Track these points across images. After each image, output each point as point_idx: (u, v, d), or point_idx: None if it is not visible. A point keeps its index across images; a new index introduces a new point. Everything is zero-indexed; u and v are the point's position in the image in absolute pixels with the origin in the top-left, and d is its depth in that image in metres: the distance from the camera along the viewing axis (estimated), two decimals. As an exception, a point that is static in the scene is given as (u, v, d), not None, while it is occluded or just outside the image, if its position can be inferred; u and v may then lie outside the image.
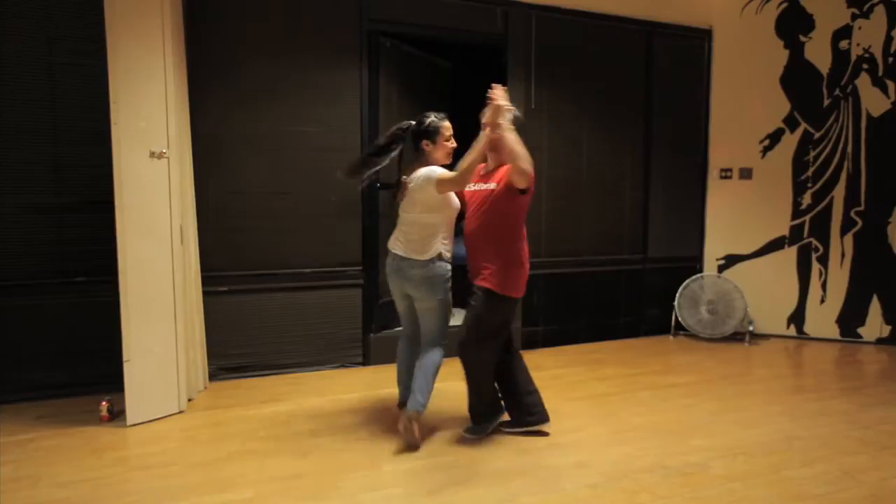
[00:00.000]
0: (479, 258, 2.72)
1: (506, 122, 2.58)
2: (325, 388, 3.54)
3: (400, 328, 4.19)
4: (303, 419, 3.04)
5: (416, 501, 2.25)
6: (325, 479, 2.40)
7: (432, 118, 2.77)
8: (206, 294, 3.51)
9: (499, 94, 2.56)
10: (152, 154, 2.91)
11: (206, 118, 3.49)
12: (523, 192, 2.62)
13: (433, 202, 2.68)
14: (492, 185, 2.70)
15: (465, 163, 2.59)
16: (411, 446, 2.67)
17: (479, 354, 2.70)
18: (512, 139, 2.55)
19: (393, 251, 2.81)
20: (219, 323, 3.60)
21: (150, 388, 2.96)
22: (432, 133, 2.75)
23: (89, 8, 3.16)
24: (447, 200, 2.73)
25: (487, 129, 2.63)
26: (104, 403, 2.97)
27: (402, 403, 2.95)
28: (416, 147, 2.78)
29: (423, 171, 2.69)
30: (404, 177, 2.78)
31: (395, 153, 2.80)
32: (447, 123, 2.79)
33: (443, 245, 2.73)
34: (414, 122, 2.80)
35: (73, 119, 3.23)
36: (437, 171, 2.66)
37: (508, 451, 2.67)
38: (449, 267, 2.75)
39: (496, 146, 2.67)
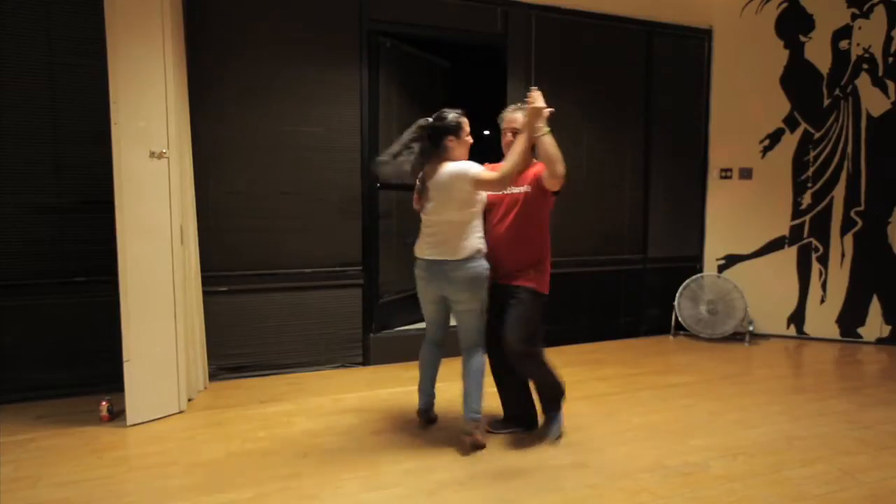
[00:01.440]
0: (512, 260, 2.69)
1: (543, 125, 2.57)
2: (325, 388, 3.54)
3: (400, 328, 4.23)
4: (303, 419, 3.04)
5: (416, 501, 2.25)
6: (325, 479, 2.40)
7: (454, 114, 2.68)
8: (206, 294, 3.51)
9: (537, 96, 2.55)
10: (152, 154, 2.91)
11: (206, 118, 3.49)
12: (556, 193, 2.67)
13: (467, 198, 2.59)
14: (523, 188, 2.69)
15: (508, 165, 2.53)
16: (478, 448, 2.67)
17: (534, 353, 2.71)
18: (549, 142, 2.55)
19: (423, 257, 2.69)
20: (219, 323, 3.60)
21: (150, 388, 2.95)
22: (456, 129, 2.65)
23: (89, 8, 3.16)
24: (479, 196, 2.66)
25: (526, 132, 2.57)
26: (104, 403, 2.97)
27: (423, 411, 2.93)
28: (436, 144, 2.66)
29: (452, 168, 2.58)
30: (426, 181, 2.67)
31: (415, 152, 2.66)
32: (466, 119, 2.72)
33: (479, 241, 2.65)
34: (432, 119, 2.69)
35: (73, 119, 3.23)
36: (475, 168, 2.56)
37: (508, 451, 2.67)
38: (487, 265, 2.65)
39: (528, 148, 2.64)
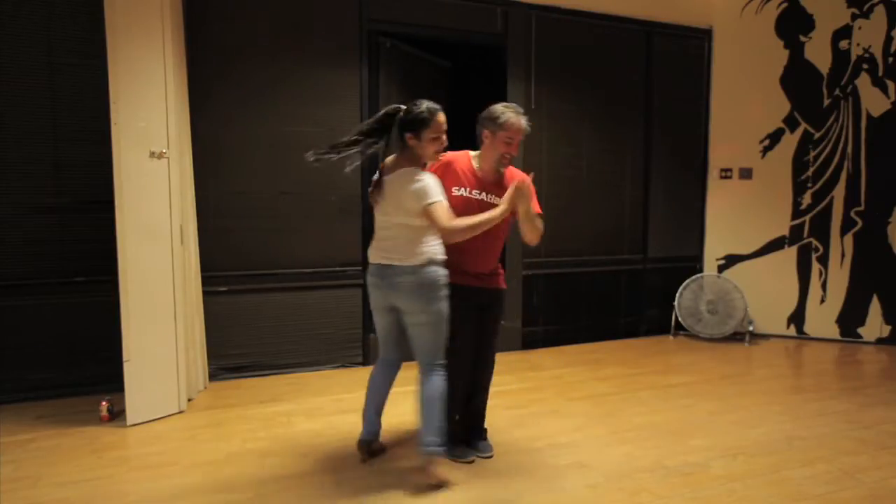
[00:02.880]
0: (487, 263, 2.53)
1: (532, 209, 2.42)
2: (325, 388, 3.54)
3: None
4: (303, 419, 3.04)
5: (416, 501, 2.25)
6: (326, 479, 2.40)
7: (425, 106, 2.29)
8: (206, 294, 3.51)
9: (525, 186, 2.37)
10: (152, 154, 2.91)
11: (206, 118, 3.49)
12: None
13: (419, 213, 2.26)
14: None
15: (474, 221, 2.26)
16: (439, 487, 2.33)
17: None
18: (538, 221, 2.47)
19: (374, 262, 2.39)
20: (219, 323, 3.60)
21: (150, 388, 2.95)
22: (419, 125, 2.27)
23: (89, 8, 3.16)
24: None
25: (505, 206, 2.33)
26: (104, 403, 2.97)
27: (364, 442, 2.54)
28: (400, 137, 2.32)
29: (416, 183, 2.24)
30: (383, 175, 2.36)
31: (379, 145, 2.36)
32: (442, 117, 2.31)
33: (434, 247, 2.31)
34: (403, 108, 2.32)
35: (73, 119, 3.23)
36: (433, 198, 2.22)
37: (508, 452, 2.67)
38: (445, 272, 2.32)
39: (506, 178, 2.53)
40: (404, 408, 3.11)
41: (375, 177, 2.40)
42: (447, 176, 2.46)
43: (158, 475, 2.43)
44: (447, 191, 2.38)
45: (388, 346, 2.52)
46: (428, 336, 2.33)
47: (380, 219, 2.41)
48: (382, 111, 2.37)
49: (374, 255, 2.41)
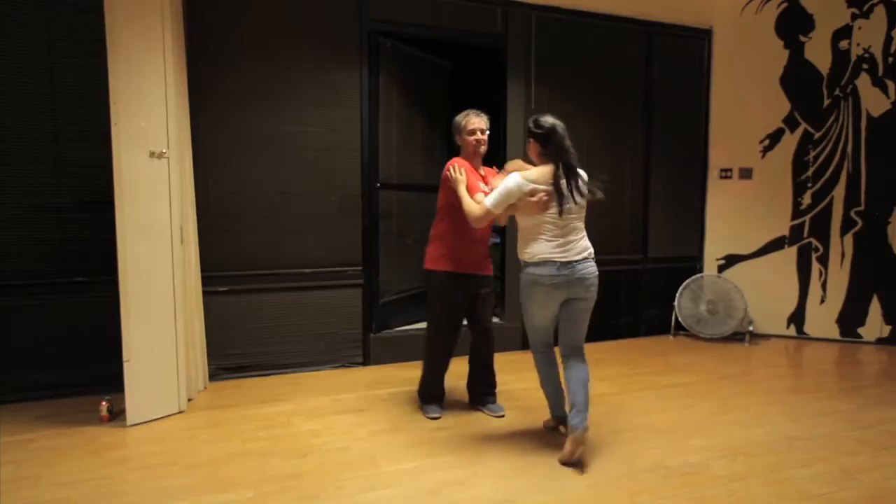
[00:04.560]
0: (481, 253, 3.06)
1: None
2: (325, 388, 3.54)
3: (400, 328, 4.22)
4: (303, 419, 3.04)
5: (416, 501, 2.25)
6: (325, 479, 2.40)
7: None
8: (205, 294, 3.51)
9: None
10: (152, 154, 2.91)
11: (206, 118, 3.49)
12: None
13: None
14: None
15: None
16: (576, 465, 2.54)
17: None
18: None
19: (558, 260, 2.68)
20: (219, 323, 3.60)
21: (150, 388, 2.96)
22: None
23: (89, 8, 3.16)
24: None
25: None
26: (104, 403, 2.97)
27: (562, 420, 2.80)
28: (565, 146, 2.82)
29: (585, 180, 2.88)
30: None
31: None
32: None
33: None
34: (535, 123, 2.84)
35: (73, 119, 3.23)
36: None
37: (508, 451, 2.67)
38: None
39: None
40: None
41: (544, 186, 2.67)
42: (472, 175, 2.92)
43: (158, 475, 2.43)
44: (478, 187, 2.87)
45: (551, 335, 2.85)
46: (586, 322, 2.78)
47: (561, 221, 2.71)
48: (555, 137, 2.81)
49: (558, 254, 2.67)
